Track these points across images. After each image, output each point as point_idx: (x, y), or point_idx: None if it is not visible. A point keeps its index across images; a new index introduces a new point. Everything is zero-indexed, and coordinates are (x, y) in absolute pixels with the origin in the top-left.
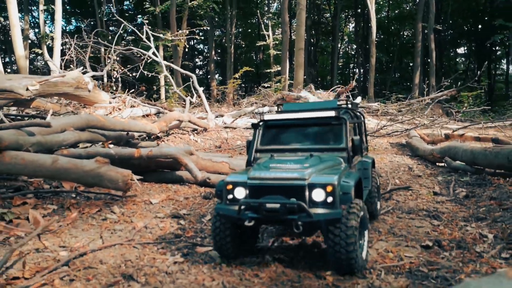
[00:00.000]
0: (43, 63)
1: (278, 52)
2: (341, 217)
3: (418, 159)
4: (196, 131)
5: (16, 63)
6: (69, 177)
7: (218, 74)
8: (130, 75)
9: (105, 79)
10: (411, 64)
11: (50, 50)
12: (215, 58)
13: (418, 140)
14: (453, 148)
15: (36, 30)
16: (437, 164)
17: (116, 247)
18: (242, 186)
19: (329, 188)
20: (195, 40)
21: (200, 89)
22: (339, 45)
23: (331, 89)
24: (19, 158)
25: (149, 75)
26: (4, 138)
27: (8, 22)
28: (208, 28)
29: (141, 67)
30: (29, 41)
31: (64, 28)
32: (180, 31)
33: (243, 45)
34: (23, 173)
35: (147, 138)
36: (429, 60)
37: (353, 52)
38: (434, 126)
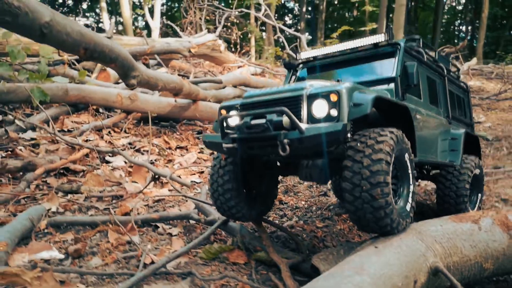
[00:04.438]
0: (143, 23)
1: (375, 9)
2: (343, 131)
3: None
4: None
5: (122, 23)
6: None
7: (307, 33)
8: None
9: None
10: None
11: (151, 11)
12: (306, 16)
13: None
14: None
15: None
16: None
17: None
18: (236, 109)
19: (333, 97)
20: None
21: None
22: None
23: (438, 49)
24: (208, 106)
25: (241, 36)
26: (199, 91)
27: None
28: None
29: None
30: (132, 3)
31: None
32: None
33: (336, 2)
34: (210, 118)
35: None
36: None
37: (460, 7)
38: None
